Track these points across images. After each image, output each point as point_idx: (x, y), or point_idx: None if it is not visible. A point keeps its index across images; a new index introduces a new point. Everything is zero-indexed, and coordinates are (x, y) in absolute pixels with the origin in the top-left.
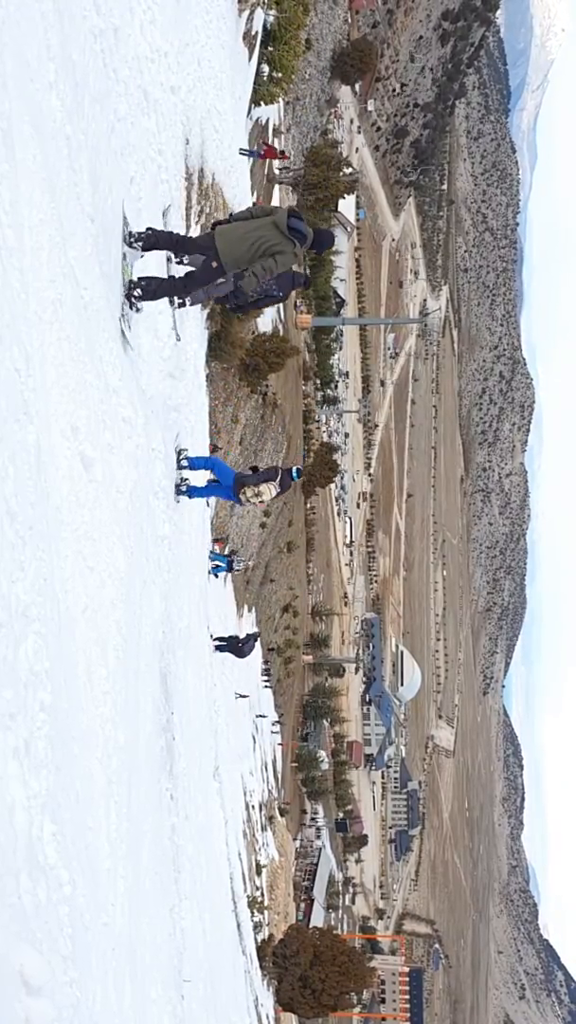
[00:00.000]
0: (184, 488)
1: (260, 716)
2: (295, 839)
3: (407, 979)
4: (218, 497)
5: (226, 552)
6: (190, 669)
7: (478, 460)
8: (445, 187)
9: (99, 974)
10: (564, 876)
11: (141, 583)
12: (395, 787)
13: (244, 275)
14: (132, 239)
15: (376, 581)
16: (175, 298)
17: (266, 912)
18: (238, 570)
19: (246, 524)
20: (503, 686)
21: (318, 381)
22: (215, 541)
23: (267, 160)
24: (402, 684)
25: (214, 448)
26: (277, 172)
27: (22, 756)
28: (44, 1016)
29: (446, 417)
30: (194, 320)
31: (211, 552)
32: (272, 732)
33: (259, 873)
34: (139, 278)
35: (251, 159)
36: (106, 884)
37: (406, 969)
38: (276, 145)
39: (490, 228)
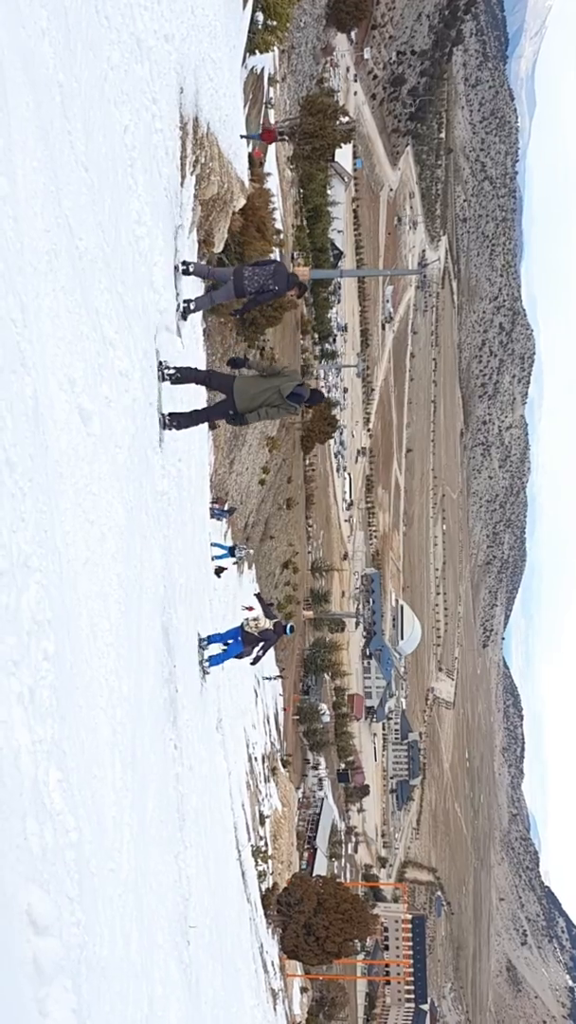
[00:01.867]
0: (207, 664)
1: (267, 678)
2: (298, 790)
3: (410, 926)
4: (234, 656)
5: (226, 507)
6: (192, 625)
7: (478, 413)
8: (443, 136)
9: (105, 918)
10: (564, 824)
11: (141, 538)
12: (396, 738)
13: (249, 415)
14: (166, 373)
15: (376, 537)
16: (205, 420)
17: (270, 861)
18: (239, 559)
19: (245, 481)
20: (503, 638)
21: (316, 335)
22: (215, 501)
23: (266, 141)
24: (402, 638)
25: (212, 424)
26: (273, 123)
27: (27, 703)
28: (52, 954)
29: (445, 370)
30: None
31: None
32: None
33: (263, 823)
34: (171, 414)
35: (251, 143)
36: (112, 831)
37: (408, 916)
38: (274, 125)
39: (489, 177)
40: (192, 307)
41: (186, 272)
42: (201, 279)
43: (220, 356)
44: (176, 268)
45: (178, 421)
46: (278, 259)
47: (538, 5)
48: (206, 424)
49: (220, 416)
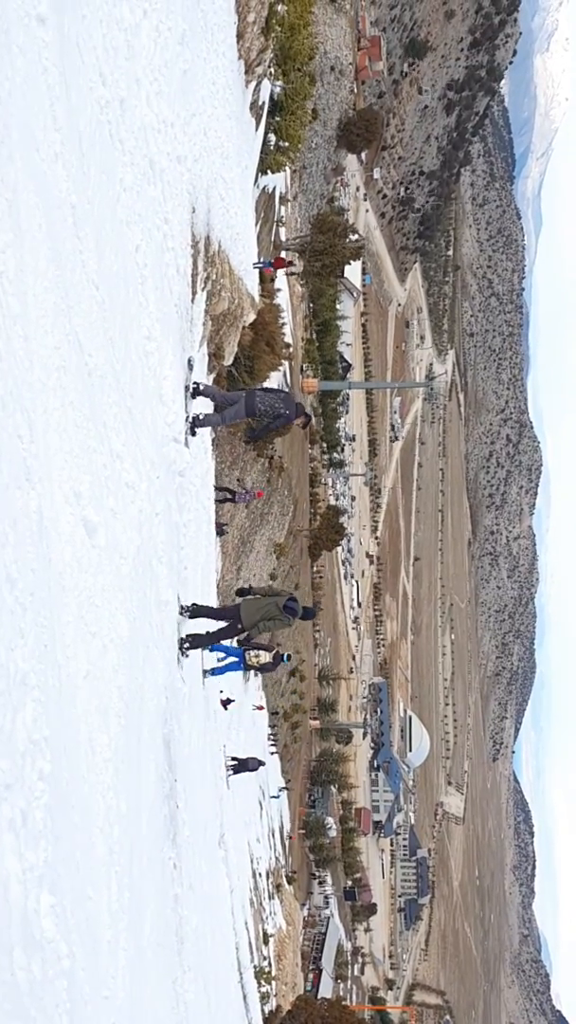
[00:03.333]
0: (209, 672)
1: (274, 797)
2: (303, 907)
3: None
4: (234, 671)
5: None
6: (194, 736)
7: (485, 523)
8: (451, 253)
9: None
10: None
11: (144, 648)
12: (404, 855)
13: (252, 631)
14: (182, 607)
15: (383, 645)
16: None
17: (273, 983)
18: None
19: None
20: (513, 751)
21: (324, 444)
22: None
23: (276, 268)
24: (410, 750)
25: (220, 530)
26: (284, 239)
27: (18, 828)
28: None
29: (453, 480)
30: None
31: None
32: (274, 798)
33: (266, 942)
34: (189, 636)
35: (262, 269)
36: (107, 956)
37: None
38: (285, 245)
39: (496, 293)
40: (202, 421)
41: (196, 393)
42: (211, 400)
43: (229, 464)
44: (187, 388)
45: (192, 642)
46: (287, 382)
47: (545, 127)
48: (213, 532)
49: (231, 636)
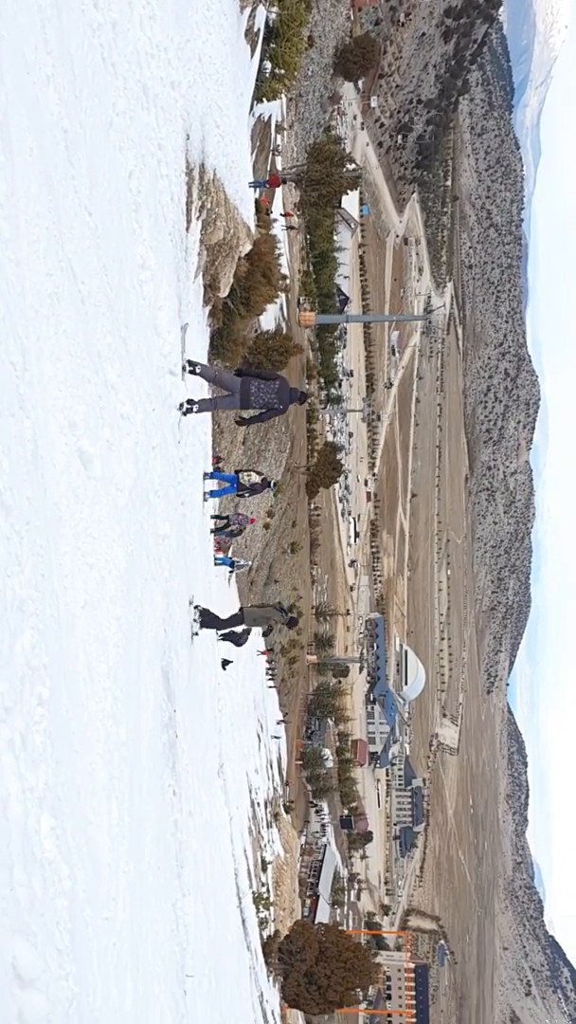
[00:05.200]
0: (208, 494)
1: (275, 737)
2: (300, 836)
3: (412, 975)
4: (228, 494)
5: (226, 518)
6: (193, 668)
7: (483, 459)
8: (449, 183)
9: (99, 969)
10: (569, 872)
11: (142, 580)
12: (399, 784)
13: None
14: (194, 618)
15: (380, 581)
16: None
17: (271, 908)
18: (241, 569)
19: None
20: (507, 684)
21: (322, 380)
22: (215, 461)
23: (272, 186)
24: (406, 683)
25: (217, 460)
26: (280, 169)
27: (18, 749)
28: (37, 1009)
29: (451, 415)
30: (195, 316)
31: (213, 527)
32: (274, 738)
33: (264, 870)
34: (202, 610)
35: (257, 189)
36: (107, 879)
37: (411, 965)
38: (280, 171)
39: (494, 224)
40: (196, 409)
41: (192, 371)
42: (207, 381)
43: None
44: (183, 368)
45: (204, 621)
46: (283, 315)
47: (543, 56)
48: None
49: (235, 625)
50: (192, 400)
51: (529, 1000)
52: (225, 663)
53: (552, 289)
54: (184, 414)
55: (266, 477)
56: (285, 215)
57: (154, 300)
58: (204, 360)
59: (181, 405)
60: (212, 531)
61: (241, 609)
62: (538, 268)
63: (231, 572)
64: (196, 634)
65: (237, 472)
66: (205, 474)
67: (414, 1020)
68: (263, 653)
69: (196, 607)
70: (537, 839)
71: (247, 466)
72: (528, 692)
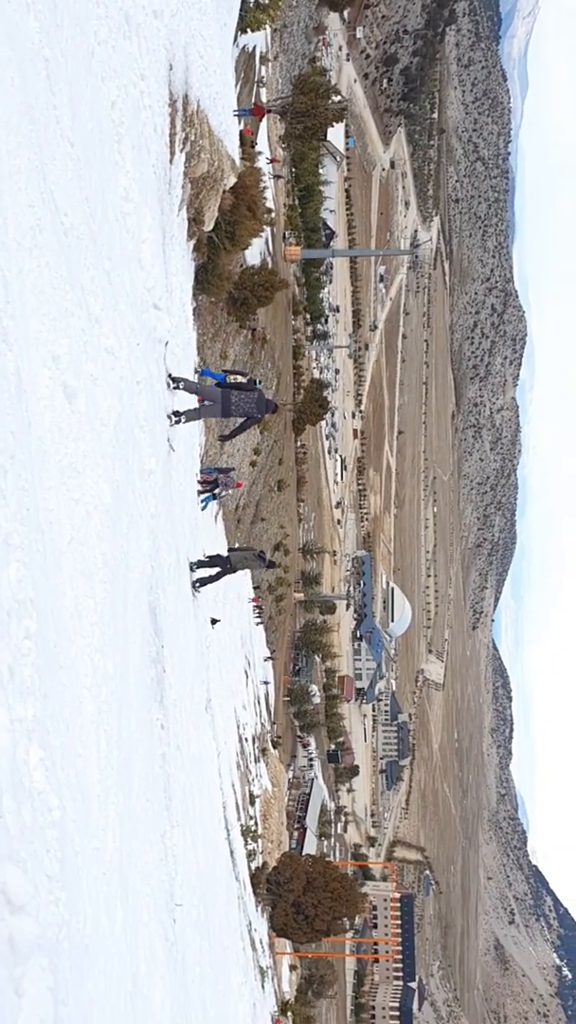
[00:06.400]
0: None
1: (264, 682)
2: (288, 770)
3: (398, 905)
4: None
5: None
6: (180, 605)
7: (469, 395)
8: (436, 116)
9: (89, 897)
10: (552, 803)
11: (128, 516)
12: (386, 719)
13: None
14: (191, 565)
15: (367, 519)
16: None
17: (259, 840)
18: (223, 496)
19: (236, 462)
20: (492, 620)
21: (308, 316)
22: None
23: (256, 116)
24: (392, 620)
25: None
26: (265, 101)
27: (5, 681)
28: (27, 933)
29: (437, 351)
30: (180, 250)
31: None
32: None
33: (252, 803)
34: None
35: (241, 119)
36: (97, 810)
37: (397, 895)
38: (265, 102)
39: (481, 158)
40: (183, 420)
41: (176, 387)
42: (188, 391)
43: (211, 336)
44: (167, 384)
45: (200, 573)
46: (269, 250)
47: None
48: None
49: (224, 573)
50: (178, 412)
51: (512, 928)
52: (214, 621)
53: (538, 224)
54: (172, 425)
55: (251, 377)
56: (271, 161)
57: (137, 233)
58: (189, 296)
59: (169, 417)
60: (198, 492)
61: (228, 555)
62: (525, 203)
63: (216, 500)
64: (196, 590)
65: (225, 372)
66: (196, 370)
67: (400, 948)
68: (253, 600)
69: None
70: (521, 771)
71: (233, 368)
72: (513, 627)
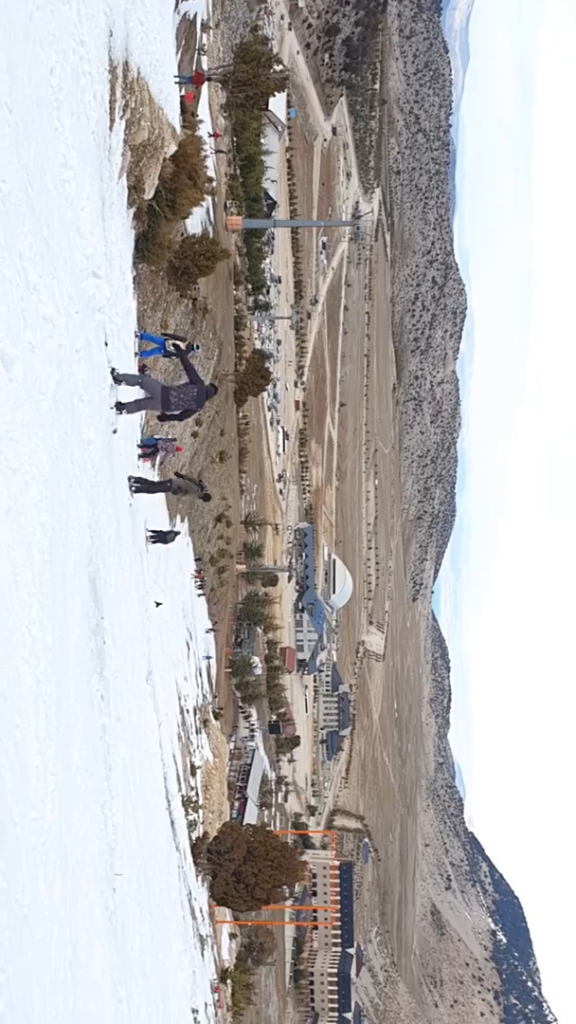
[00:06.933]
0: (139, 353)
1: (206, 657)
2: (229, 740)
3: (337, 872)
4: (156, 355)
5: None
6: (121, 576)
7: (410, 368)
8: (377, 87)
9: (28, 866)
10: (488, 771)
11: (66, 487)
12: (327, 690)
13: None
14: (131, 484)
15: (309, 491)
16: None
17: (200, 811)
18: (164, 463)
19: (177, 433)
20: (432, 592)
21: (249, 286)
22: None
23: (196, 84)
24: (334, 591)
25: (143, 368)
26: (206, 69)
27: None
28: None
29: (379, 324)
30: (120, 218)
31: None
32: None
33: (193, 774)
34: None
35: (182, 86)
36: (36, 781)
37: (336, 863)
38: (206, 70)
39: (423, 129)
40: (125, 412)
41: (116, 380)
42: (129, 384)
43: (151, 305)
44: (110, 379)
45: (139, 487)
46: (210, 219)
47: None
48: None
49: (165, 490)
50: (121, 403)
51: (449, 894)
52: (157, 604)
53: (478, 197)
54: (118, 412)
55: (190, 342)
56: (213, 135)
57: (77, 200)
58: (129, 264)
59: (112, 408)
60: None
61: (171, 480)
62: (465, 175)
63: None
64: (132, 491)
65: (165, 336)
66: (136, 334)
67: (338, 915)
68: (197, 576)
69: (130, 477)
70: (458, 740)
71: (174, 333)
72: (452, 598)
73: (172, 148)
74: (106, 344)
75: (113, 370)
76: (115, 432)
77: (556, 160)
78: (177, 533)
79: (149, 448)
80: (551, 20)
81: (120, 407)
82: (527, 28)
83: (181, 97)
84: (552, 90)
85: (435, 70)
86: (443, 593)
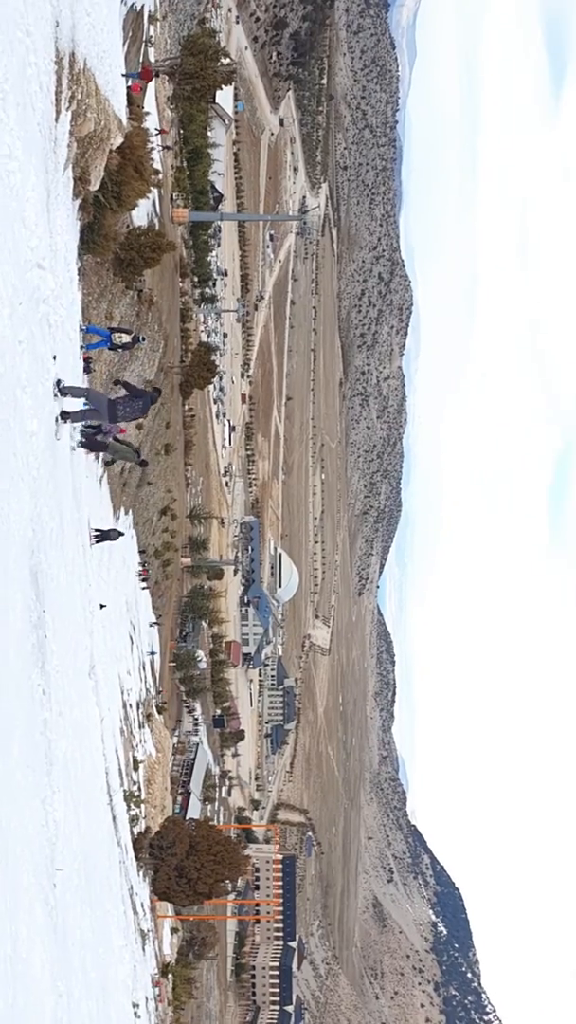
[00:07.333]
0: (84, 347)
1: (150, 653)
2: (173, 735)
3: (280, 866)
4: (102, 347)
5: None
6: (64, 569)
7: (357, 363)
8: (324, 82)
9: None
10: (430, 764)
11: (8, 479)
12: (272, 684)
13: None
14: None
15: (255, 485)
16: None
17: (143, 806)
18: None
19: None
20: (378, 586)
21: (195, 279)
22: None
23: (144, 80)
24: (280, 586)
25: (88, 361)
26: (153, 61)
27: None
28: None
29: (325, 319)
30: (65, 210)
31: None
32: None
33: (136, 768)
34: (64, 412)
35: (129, 80)
36: None
37: (279, 857)
38: (153, 63)
39: (369, 125)
40: (70, 421)
41: (62, 392)
42: (74, 396)
43: (96, 296)
44: (54, 391)
45: (82, 443)
46: (156, 211)
47: None
48: (82, 365)
49: (104, 449)
50: (66, 412)
51: (391, 886)
52: (101, 606)
53: (424, 194)
54: (63, 422)
55: (136, 334)
56: (160, 131)
57: (21, 191)
58: (74, 255)
59: (56, 418)
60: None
61: (108, 442)
62: (411, 172)
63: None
64: (60, 422)
65: (111, 329)
66: (81, 327)
67: (281, 909)
68: (141, 573)
69: (57, 380)
70: (402, 734)
71: (119, 327)
72: (397, 593)
73: (118, 140)
74: (54, 358)
75: (59, 382)
76: (58, 440)
77: (501, 157)
78: (121, 533)
79: (103, 338)
80: (497, 18)
81: (65, 416)
82: (473, 26)
83: (128, 88)
84: (497, 88)
85: (382, 66)
86: (388, 588)
